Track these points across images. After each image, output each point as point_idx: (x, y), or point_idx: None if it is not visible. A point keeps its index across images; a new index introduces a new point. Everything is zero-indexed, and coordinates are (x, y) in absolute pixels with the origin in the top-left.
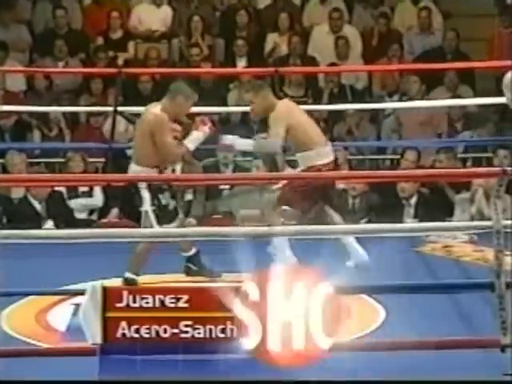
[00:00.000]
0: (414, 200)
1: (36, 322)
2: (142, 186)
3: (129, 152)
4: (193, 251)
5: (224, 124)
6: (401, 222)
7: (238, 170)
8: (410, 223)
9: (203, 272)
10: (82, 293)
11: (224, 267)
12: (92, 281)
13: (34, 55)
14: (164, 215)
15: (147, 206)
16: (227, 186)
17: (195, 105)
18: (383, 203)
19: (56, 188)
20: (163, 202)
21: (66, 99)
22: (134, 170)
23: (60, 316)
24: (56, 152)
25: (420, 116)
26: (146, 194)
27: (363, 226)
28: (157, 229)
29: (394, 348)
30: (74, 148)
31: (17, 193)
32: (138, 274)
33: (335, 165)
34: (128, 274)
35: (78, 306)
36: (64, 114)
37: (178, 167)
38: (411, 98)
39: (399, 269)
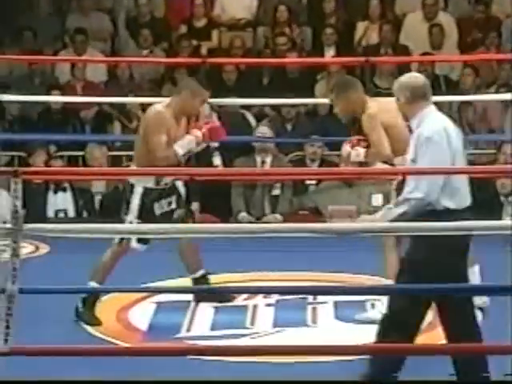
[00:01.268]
0: None
1: (117, 320)
2: (138, 191)
3: (212, 145)
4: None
5: (311, 116)
6: (499, 220)
7: (325, 165)
8: (509, 222)
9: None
10: (164, 291)
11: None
12: (178, 278)
13: (116, 44)
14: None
15: (132, 218)
16: (313, 182)
17: (281, 96)
18: (479, 201)
19: None
20: (158, 211)
21: (147, 90)
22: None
23: (141, 315)
24: None
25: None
26: (136, 202)
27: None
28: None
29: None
30: None
31: (97, 186)
32: (101, 283)
33: None
34: (92, 283)
35: (159, 304)
36: (143, 105)
37: (268, 160)
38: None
39: (495, 269)
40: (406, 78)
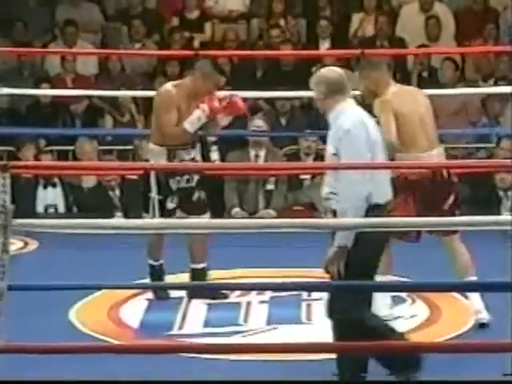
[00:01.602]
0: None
1: (108, 317)
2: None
3: (210, 139)
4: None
5: (306, 110)
6: (497, 215)
7: (319, 159)
8: (507, 217)
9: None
10: (156, 287)
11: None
12: (170, 275)
13: (107, 37)
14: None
15: (153, 195)
16: (308, 176)
17: (275, 89)
18: (476, 195)
19: (130, 176)
20: (174, 186)
21: (139, 83)
22: (148, 147)
23: (133, 312)
24: (130, 139)
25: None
26: (152, 179)
27: (451, 218)
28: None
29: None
30: (147, 135)
31: (88, 182)
32: (158, 260)
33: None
34: (150, 261)
35: (151, 301)
36: (135, 98)
37: (262, 154)
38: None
39: (495, 265)
40: (322, 72)
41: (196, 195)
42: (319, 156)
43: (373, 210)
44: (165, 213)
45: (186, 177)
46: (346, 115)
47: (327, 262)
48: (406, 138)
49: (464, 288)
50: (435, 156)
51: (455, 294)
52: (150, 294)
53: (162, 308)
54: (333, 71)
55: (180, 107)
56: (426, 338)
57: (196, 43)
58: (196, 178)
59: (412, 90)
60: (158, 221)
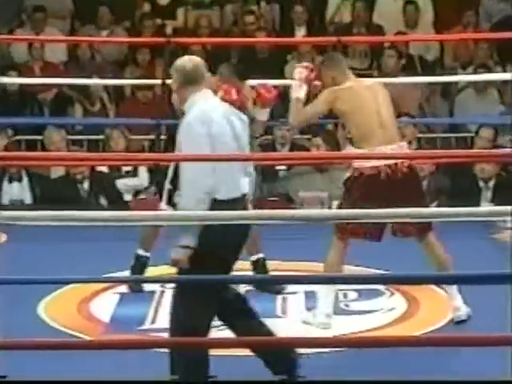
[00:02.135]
0: (492, 183)
1: (78, 312)
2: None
3: None
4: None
5: (281, 99)
6: (477, 206)
7: (295, 149)
8: (487, 207)
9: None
10: (127, 281)
11: None
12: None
13: (76, 23)
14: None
15: (166, 183)
16: (284, 167)
17: (250, 77)
18: (456, 186)
19: (99, 168)
20: None
21: (110, 71)
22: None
23: (104, 306)
24: (100, 129)
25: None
26: (171, 168)
27: (430, 209)
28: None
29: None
30: (118, 124)
31: (56, 172)
32: (148, 251)
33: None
34: (139, 251)
35: (122, 295)
36: (107, 87)
37: None
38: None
39: (474, 257)
40: (178, 61)
41: None
42: (295, 146)
43: (216, 205)
44: (171, 203)
45: None
46: (195, 108)
47: (171, 263)
48: (361, 133)
49: (442, 280)
50: (389, 151)
51: (434, 287)
52: (121, 288)
53: (134, 302)
54: (188, 61)
55: None
56: (404, 332)
57: (168, 30)
58: None
59: (371, 84)
60: (128, 213)
